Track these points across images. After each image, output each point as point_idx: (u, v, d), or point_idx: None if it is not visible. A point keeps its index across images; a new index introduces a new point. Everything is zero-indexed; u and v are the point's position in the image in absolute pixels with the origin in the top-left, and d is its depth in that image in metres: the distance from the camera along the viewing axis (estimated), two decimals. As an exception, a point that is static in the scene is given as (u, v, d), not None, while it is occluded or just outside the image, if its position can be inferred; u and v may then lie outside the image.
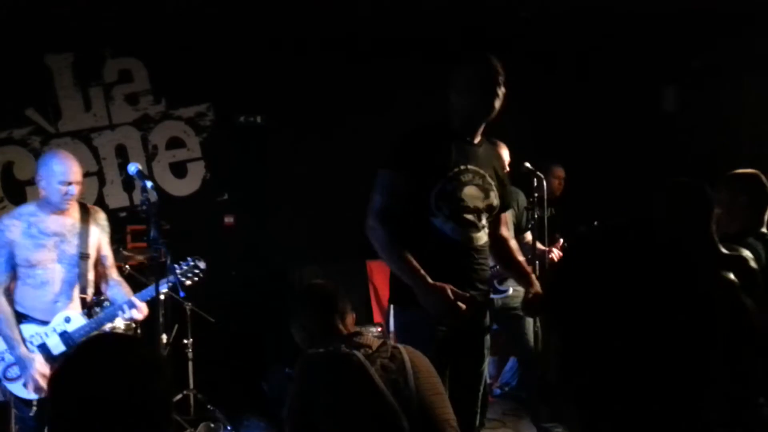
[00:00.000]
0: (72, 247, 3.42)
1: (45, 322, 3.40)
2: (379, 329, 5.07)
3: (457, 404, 2.36)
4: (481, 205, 2.85)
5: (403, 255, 2.69)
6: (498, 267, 4.12)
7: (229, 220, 5.80)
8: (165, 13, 5.18)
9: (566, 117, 6.04)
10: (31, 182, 5.51)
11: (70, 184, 3.31)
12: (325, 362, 2.17)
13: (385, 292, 4.20)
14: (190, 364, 4.76)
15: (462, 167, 2.80)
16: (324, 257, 5.40)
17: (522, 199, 4.44)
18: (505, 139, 4.16)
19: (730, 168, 3.15)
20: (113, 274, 3.62)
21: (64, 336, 3.39)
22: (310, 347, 2.28)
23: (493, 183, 2.91)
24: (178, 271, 3.50)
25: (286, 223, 5.73)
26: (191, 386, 4.74)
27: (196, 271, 3.59)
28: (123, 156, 5.59)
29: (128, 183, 5.55)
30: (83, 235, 3.43)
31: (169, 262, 3.18)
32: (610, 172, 5.84)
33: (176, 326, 4.67)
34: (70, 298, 3.42)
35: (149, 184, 3.12)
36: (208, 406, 4.64)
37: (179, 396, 4.61)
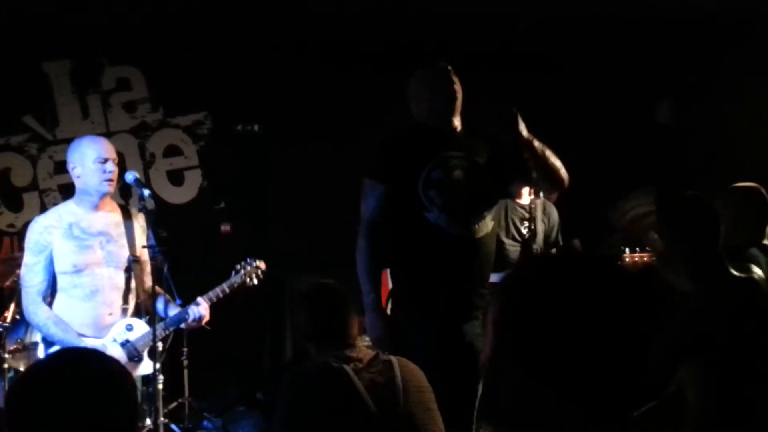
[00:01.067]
0: (120, 248, 3.10)
1: (98, 337, 3.09)
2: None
3: (451, 419, 2.34)
4: (475, 189, 2.74)
5: (371, 269, 2.70)
6: None
7: (225, 228, 5.80)
8: (163, 22, 5.20)
9: (561, 125, 6.06)
10: (28, 189, 5.52)
11: (106, 161, 3.03)
12: (313, 377, 2.15)
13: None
14: (186, 372, 4.76)
15: (445, 153, 2.73)
16: (322, 266, 5.38)
17: (555, 215, 4.43)
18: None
19: (727, 178, 3.17)
20: (149, 280, 3.25)
21: (126, 346, 3.09)
22: (310, 348, 2.28)
23: (484, 167, 2.80)
24: (242, 272, 3.43)
25: (283, 231, 5.73)
26: (186, 394, 4.73)
27: (259, 271, 3.49)
28: (120, 163, 5.58)
29: (125, 191, 5.54)
30: (130, 236, 3.10)
31: (165, 270, 3.16)
32: (606, 183, 5.85)
33: (171, 334, 4.66)
34: (123, 306, 3.12)
35: (147, 192, 3.11)
36: (204, 414, 4.64)
37: (174, 404, 4.60)
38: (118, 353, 3.06)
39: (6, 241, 5.41)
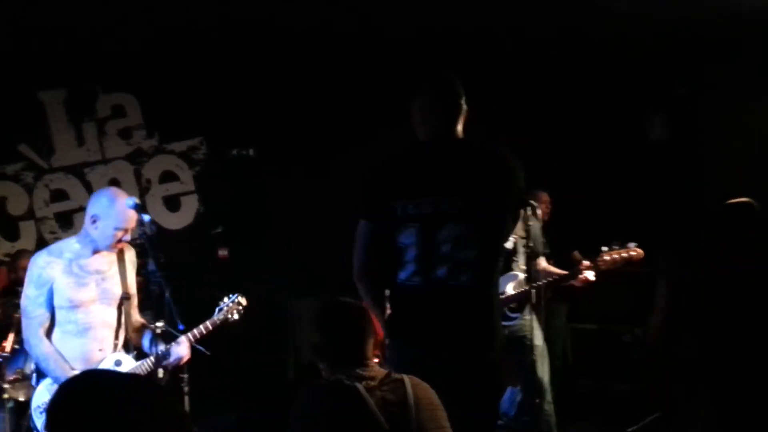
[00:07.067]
0: (113, 286, 3.21)
1: None
2: (376, 360, 5.06)
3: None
4: None
5: (375, 305, 2.66)
6: (510, 294, 4.21)
7: (223, 252, 5.79)
8: (157, 49, 5.24)
9: (551, 141, 6.11)
10: (24, 218, 5.51)
11: (126, 231, 3.13)
12: (325, 393, 2.17)
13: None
14: (187, 398, 4.72)
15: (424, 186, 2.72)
16: (319, 289, 5.39)
17: (536, 226, 4.49)
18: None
19: (722, 191, 3.21)
20: (137, 315, 3.39)
21: None
22: (321, 366, 2.29)
23: None
24: (224, 308, 3.49)
25: (280, 255, 5.73)
26: (187, 421, 4.70)
27: (240, 308, 3.57)
28: (116, 190, 5.60)
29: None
30: (122, 273, 3.20)
31: (167, 295, 3.14)
32: (596, 196, 5.89)
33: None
34: (114, 342, 3.19)
35: (147, 217, 3.12)
36: (205, 441, 4.61)
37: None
38: None
39: (3, 271, 5.41)
